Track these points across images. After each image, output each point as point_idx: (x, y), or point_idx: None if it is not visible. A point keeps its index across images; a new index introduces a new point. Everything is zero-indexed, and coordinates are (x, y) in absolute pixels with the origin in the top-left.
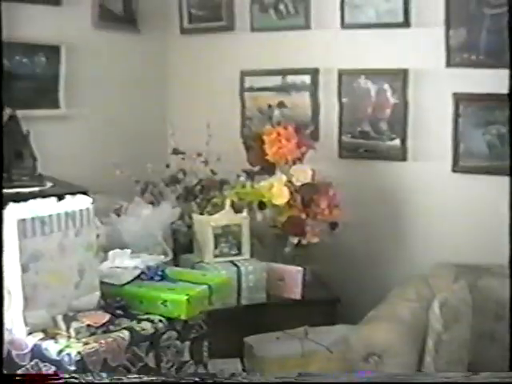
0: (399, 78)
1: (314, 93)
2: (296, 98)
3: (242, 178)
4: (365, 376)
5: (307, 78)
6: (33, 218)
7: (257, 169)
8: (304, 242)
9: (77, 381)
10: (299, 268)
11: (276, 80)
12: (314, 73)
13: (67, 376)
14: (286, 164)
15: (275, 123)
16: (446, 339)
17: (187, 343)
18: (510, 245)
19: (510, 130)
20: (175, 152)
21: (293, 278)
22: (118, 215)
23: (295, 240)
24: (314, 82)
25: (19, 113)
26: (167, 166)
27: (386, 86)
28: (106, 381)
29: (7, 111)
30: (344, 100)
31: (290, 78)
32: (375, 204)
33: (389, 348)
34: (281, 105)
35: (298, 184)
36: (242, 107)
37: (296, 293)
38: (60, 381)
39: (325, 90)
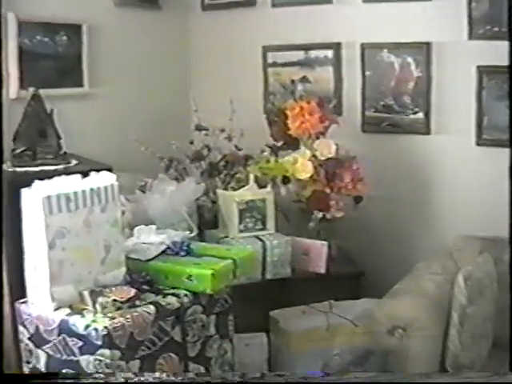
0: (422, 51)
1: (337, 67)
2: (319, 73)
3: (266, 153)
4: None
5: (330, 53)
6: (58, 195)
7: (280, 144)
8: (328, 216)
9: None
10: (324, 242)
11: (299, 55)
12: (337, 47)
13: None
14: (309, 138)
15: (298, 98)
16: (471, 313)
17: (212, 317)
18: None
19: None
20: (198, 128)
21: (317, 252)
22: (143, 192)
23: (319, 214)
24: (337, 57)
25: (42, 92)
26: (191, 142)
27: (410, 60)
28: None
29: (30, 90)
30: (367, 74)
31: (313, 53)
32: (399, 178)
33: (413, 321)
34: (304, 79)
35: (322, 158)
36: (264, 82)
37: (321, 267)
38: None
39: (348, 64)
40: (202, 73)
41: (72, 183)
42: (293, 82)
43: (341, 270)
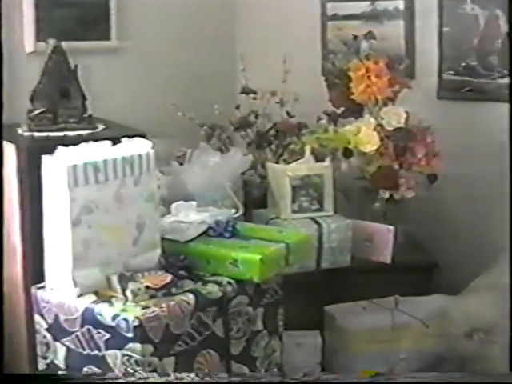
0: None
1: (410, 21)
2: (388, 28)
3: (324, 121)
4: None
5: (401, 3)
6: (85, 164)
7: (341, 110)
8: (396, 196)
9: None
10: (390, 227)
11: (364, 6)
12: None
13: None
14: (376, 105)
15: (363, 57)
16: None
17: (260, 310)
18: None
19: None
20: (246, 91)
21: (382, 239)
22: (181, 164)
23: (386, 194)
24: (410, 8)
25: (64, 45)
26: (237, 107)
27: (498, 12)
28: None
29: (50, 42)
30: (445, 29)
31: (381, 4)
32: (480, 154)
33: (497, 324)
34: (369, 35)
35: (390, 128)
36: (323, 39)
37: (386, 256)
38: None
39: (422, 18)
40: (251, 27)
41: (100, 151)
42: (356, 38)
43: (409, 260)
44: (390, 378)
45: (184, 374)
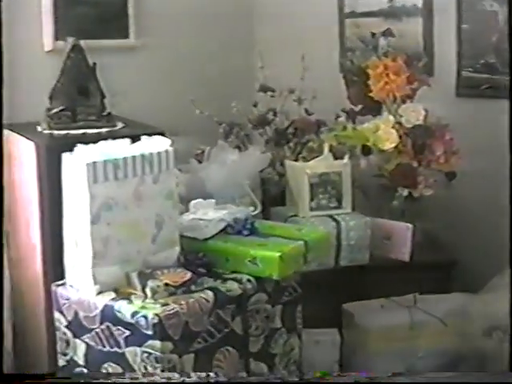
0: None
1: (428, 18)
2: (406, 25)
3: (342, 119)
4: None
5: (419, 0)
6: (105, 161)
7: (359, 108)
8: (415, 194)
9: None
10: (409, 225)
11: (382, 3)
12: None
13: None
14: (394, 102)
15: (381, 55)
16: None
17: (278, 308)
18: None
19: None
20: (264, 89)
21: (401, 237)
22: (199, 162)
23: (405, 192)
24: (428, 5)
25: (83, 43)
26: (255, 104)
27: None
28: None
29: (69, 40)
30: (464, 26)
31: (399, 1)
32: (500, 151)
33: None
34: (387, 33)
35: (409, 126)
36: (341, 36)
37: (404, 253)
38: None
39: (441, 15)
40: (269, 24)
41: (120, 148)
42: (374, 35)
43: (428, 258)
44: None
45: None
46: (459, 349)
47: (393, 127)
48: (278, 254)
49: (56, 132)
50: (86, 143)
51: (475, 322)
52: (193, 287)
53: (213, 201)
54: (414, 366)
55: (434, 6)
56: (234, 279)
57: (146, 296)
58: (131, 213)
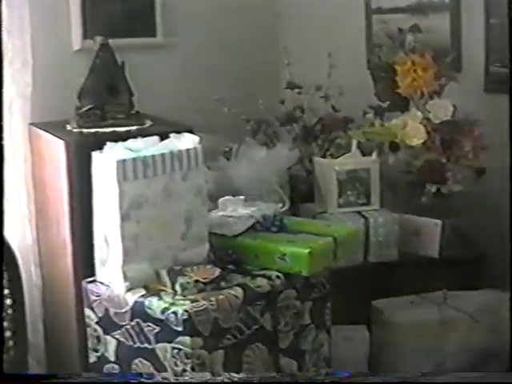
0: None
1: (456, 13)
2: (433, 20)
3: (370, 115)
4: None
5: None
6: (134, 159)
7: (387, 104)
8: (444, 190)
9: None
10: (438, 221)
11: None
12: None
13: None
14: (422, 98)
15: (409, 50)
16: None
17: (308, 304)
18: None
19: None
20: (291, 86)
21: (430, 233)
22: (227, 159)
23: (433, 188)
24: (455, 0)
25: (111, 42)
26: (282, 102)
27: None
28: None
29: (98, 39)
30: (492, 20)
31: None
32: None
33: None
34: (414, 28)
35: (437, 122)
36: (368, 32)
37: (433, 250)
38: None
39: (469, 10)
40: (295, 21)
41: (149, 146)
42: (401, 31)
43: (457, 254)
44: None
45: None
46: (489, 346)
47: (421, 123)
48: (307, 251)
49: (85, 130)
50: (115, 141)
51: (505, 319)
52: (222, 284)
53: (241, 198)
54: (444, 363)
55: (461, 1)
56: (263, 276)
57: (175, 292)
58: (161, 210)
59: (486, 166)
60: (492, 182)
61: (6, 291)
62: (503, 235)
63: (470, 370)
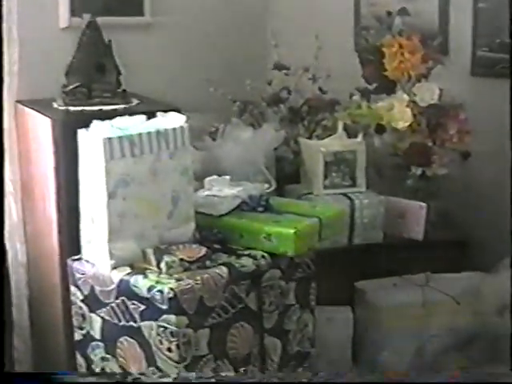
0: None
1: None
2: (421, 4)
3: (356, 98)
4: None
5: None
6: (120, 138)
7: (373, 87)
8: (429, 173)
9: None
10: (422, 204)
11: None
12: None
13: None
14: (409, 81)
15: (397, 33)
16: None
17: (292, 284)
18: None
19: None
20: (278, 67)
21: (414, 215)
22: (214, 139)
23: (419, 171)
24: None
25: (99, 20)
26: (269, 82)
27: None
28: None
29: (85, 17)
30: (480, 5)
31: None
32: None
33: None
34: (402, 11)
35: (423, 105)
36: (356, 14)
37: (417, 232)
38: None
39: None
40: (283, 1)
41: (136, 125)
42: (389, 14)
43: (441, 237)
44: None
45: None
46: (472, 328)
47: (407, 106)
48: (292, 231)
49: (72, 108)
50: (102, 119)
51: (488, 301)
52: (208, 263)
53: (227, 178)
54: (426, 345)
55: None
56: (248, 255)
57: (161, 271)
58: (147, 189)
59: (471, 150)
60: (477, 166)
61: None
62: (487, 218)
63: (453, 352)
